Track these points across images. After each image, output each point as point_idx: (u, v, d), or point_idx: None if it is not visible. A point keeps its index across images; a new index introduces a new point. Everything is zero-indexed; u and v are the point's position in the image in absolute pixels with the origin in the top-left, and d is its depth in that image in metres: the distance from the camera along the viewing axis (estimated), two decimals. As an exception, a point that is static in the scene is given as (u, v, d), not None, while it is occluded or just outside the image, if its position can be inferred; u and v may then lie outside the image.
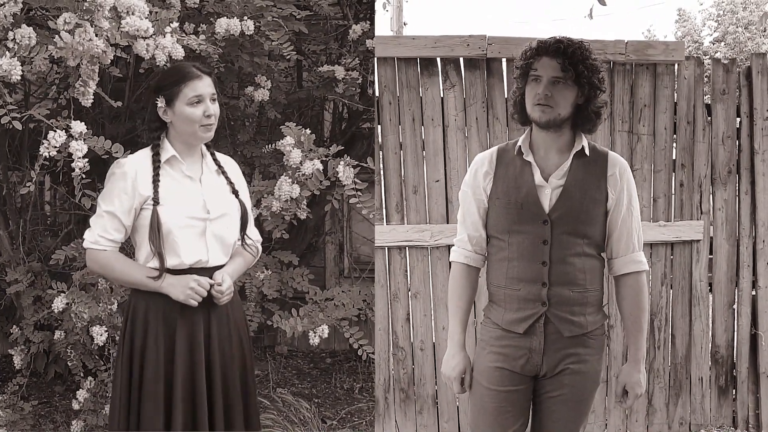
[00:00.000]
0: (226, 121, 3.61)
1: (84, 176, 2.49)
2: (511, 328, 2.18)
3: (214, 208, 2.29)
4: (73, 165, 2.45)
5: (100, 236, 2.25)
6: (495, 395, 2.19)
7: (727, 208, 3.81)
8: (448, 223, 3.61)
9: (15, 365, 3.60)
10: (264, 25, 3.10)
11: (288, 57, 3.17)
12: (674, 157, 3.79)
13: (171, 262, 2.24)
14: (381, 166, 3.61)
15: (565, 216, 2.14)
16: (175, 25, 2.55)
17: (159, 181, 2.24)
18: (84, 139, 2.45)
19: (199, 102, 2.23)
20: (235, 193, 2.38)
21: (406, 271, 3.66)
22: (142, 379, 2.26)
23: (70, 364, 3.47)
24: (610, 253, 2.24)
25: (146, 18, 2.37)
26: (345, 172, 2.87)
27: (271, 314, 3.61)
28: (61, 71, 2.65)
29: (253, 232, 2.49)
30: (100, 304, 3.09)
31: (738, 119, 3.82)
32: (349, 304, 3.43)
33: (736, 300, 3.86)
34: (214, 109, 2.26)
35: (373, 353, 3.32)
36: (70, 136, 2.45)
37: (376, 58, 3.58)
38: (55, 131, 2.42)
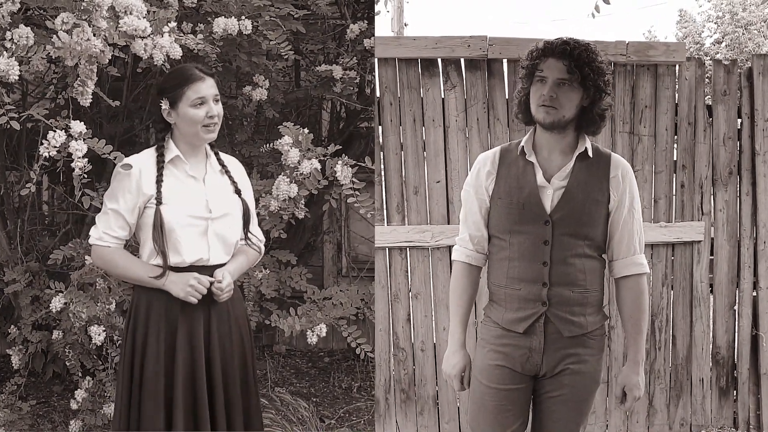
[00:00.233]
0: (224, 121, 3.60)
1: (85, 176, 2.49)
2: (511, 328, 2.18)
3: (216, 208, 2.32)
4: (73, 165, 2.45)
5: (105, 233, 2.30)
6: (495, 393, 2.19)
7: (728, 209, 3.80)
8: (448, 223, 3.60)
9: (13, 365, 3.59)
10: (262, 24, 3.10)
11: (286, 56, 3.16)
12: (675, 158, 3.78)
13: (173, 260, 2.28)
14: (382, 166, 3.60)
15: (567, 217, 2.14)
16: (173, 24, 2.56)
17: (162, 180, 2.28)
18: (84, 139, 2.45)
19: (202, 103, 2.27)
20: (239, 192, 2.41)
21: (407, 271, 3.66)
22: (143, 377, 2.30)
23: (68, 363, 3.47)
24: (611, 255, 2.24)
25: (144, 17, 2.38)
26: (343, 171, 2.87)
27: (269, 313, 3.62)
28: (59, 71, 2.66)
29: (256, 232, 2.51)
30: (99, 304, 3.09)
31: (739, 120, 3.81)
32: (347, 303, 3.43)
33: (736, 301, 3.85)
34: (217, 110, 2.31)
35: (371, 352, 3.32)
36: (69, 136, 2.45)
37: (376, 59, 3.57)
38: (55, 131, 2.42)
